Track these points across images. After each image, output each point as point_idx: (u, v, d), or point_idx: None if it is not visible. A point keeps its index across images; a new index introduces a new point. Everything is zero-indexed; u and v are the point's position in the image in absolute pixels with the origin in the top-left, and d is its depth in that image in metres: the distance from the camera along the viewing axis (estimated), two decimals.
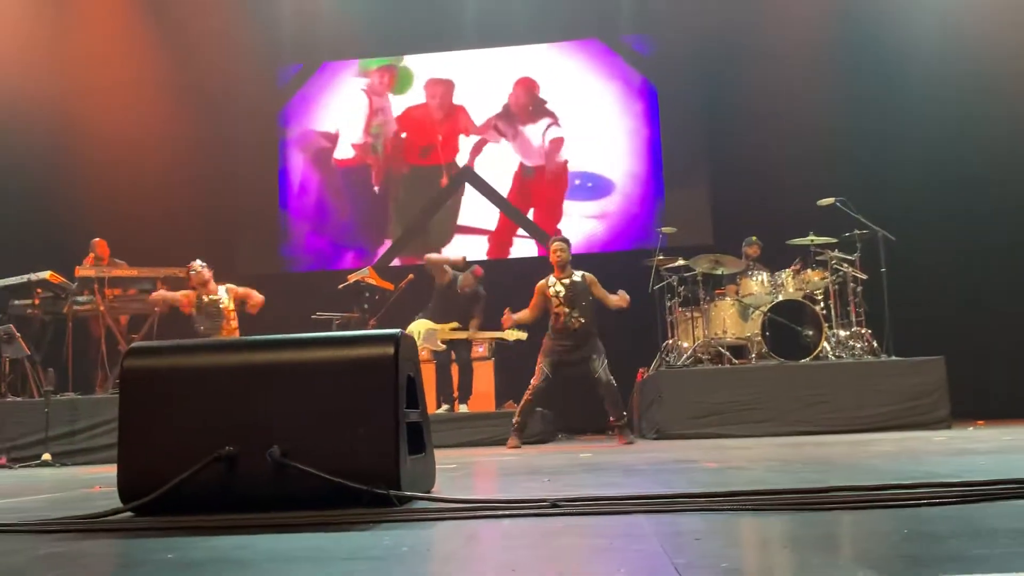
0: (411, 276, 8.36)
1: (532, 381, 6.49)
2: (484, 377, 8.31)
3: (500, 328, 7.06)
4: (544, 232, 10.28)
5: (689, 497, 2.06)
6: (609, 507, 1.95)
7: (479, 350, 8.36)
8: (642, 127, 10.49)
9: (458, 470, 3.52)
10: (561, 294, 6.45)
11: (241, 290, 7.61)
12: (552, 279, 6.54)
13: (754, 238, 8.10)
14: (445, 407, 7.59)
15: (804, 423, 6.53)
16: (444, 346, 7.61)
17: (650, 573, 1.20)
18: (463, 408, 7.62)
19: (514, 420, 6.47)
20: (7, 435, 6.84)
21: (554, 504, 1.96)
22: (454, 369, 7.83)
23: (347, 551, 1.49)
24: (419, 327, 7.51)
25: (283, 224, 10.75)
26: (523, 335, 7.21)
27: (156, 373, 2.34)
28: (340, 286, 8.02)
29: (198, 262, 7.50)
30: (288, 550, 1.54)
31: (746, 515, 1.80)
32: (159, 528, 1.94)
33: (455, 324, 7.58)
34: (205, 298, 7.43)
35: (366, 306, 7.90)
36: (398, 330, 2.40)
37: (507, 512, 1.94)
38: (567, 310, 6.41)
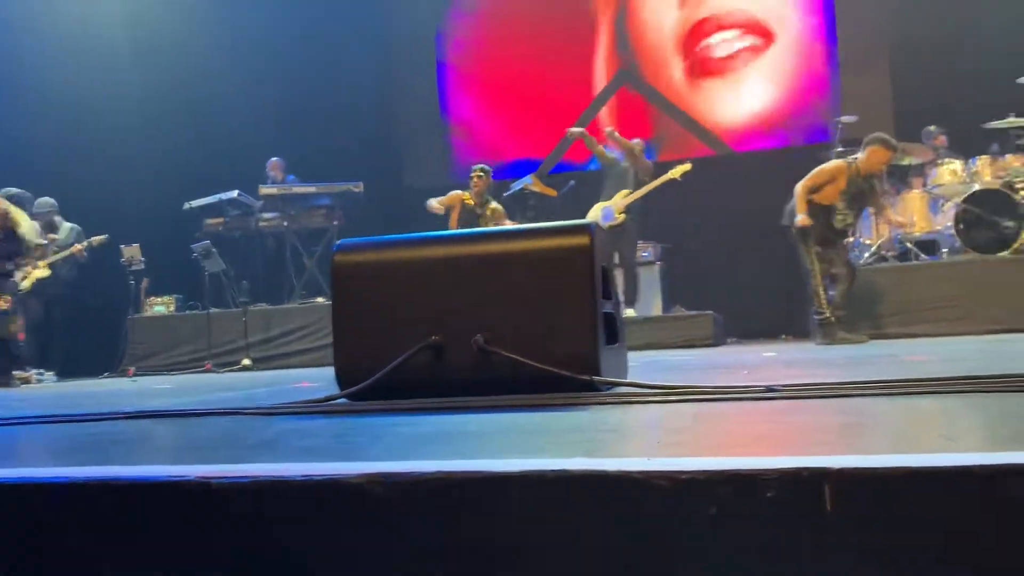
0: (572, 181, 8.29)
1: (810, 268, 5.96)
2: (650, 281, 8.22)
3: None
4: (707, 132, 9.87)
5: (919, 381, 1.92)
6: (831, 391, 1.85)
7: (643, 255, 8.25)
8: (815, 8, 9.76)
9: (643, 367, 3.49)
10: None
11: (500, 208, 7.68)
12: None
13: (933, 127, 7.55)
14: None
15: (1004, 321, 6.04)
16: (623, 216, 7.47)
17: (919, 444, 1.12)
18: (630, 312, 7.57)
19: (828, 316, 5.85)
20: (210, 343, 7.45)
21: (769, 389, 1.89)
22: (619, 273, 7.76)
23: (577, 426, 1.49)
24: (593, 212, 7.46)
25: (446, 136, 10.84)
26: (687, 167, 7.14)
27: (364, 267, 2.42)
28: (504, 195, 8.07)
29: (481, 167, 7.60)
30: (516, 424, 1.55)
31: (991, 396, 1.66)
32: (379, 410, 2.02)
33: (625, 191, 7.47)
34: (469, 203, 7.56)
35: (531, 214, 7.93)
36: (592, 220, 2.36)
37: (721, 396, 1.89)
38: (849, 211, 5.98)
